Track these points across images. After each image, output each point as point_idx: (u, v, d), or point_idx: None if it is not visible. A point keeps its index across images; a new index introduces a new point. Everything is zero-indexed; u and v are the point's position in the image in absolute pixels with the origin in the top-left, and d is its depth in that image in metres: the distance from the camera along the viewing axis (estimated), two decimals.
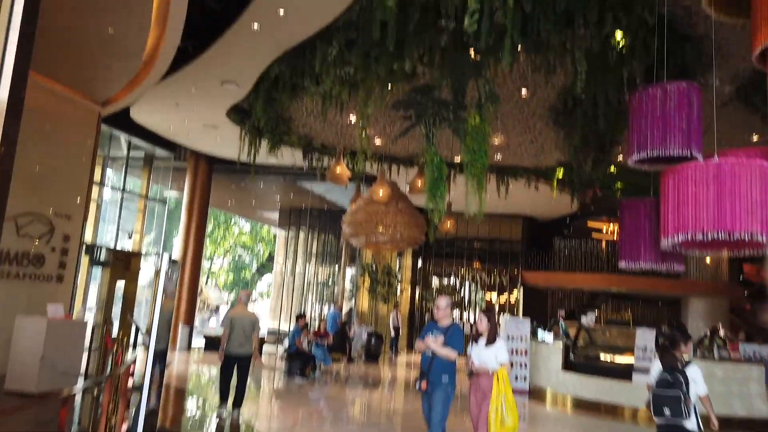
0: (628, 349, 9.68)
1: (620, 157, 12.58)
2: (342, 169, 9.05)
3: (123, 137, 13.90)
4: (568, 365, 10.43)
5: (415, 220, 9.36)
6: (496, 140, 11.51)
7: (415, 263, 21.01)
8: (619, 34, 6.92)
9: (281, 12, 7.26)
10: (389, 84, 7.63)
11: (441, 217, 6.04)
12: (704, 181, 3.73)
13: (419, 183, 8.69)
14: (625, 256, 4.83)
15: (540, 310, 20.21)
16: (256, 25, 7.64)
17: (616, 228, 21.96)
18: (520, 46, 6.87)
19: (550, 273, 20.54)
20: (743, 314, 21.01)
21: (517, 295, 20.79)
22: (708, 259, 19.09)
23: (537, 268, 20.86)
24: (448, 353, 4.95)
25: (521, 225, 20.71)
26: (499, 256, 21.11)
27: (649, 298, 21.48)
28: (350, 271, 21.99)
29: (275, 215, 24.21)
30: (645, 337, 8.89)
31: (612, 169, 13.32)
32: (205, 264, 35.59)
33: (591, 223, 22.07)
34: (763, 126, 10.46)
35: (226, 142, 12.88)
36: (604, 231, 22.14)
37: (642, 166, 4.40)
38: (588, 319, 11.44)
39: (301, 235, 22.73)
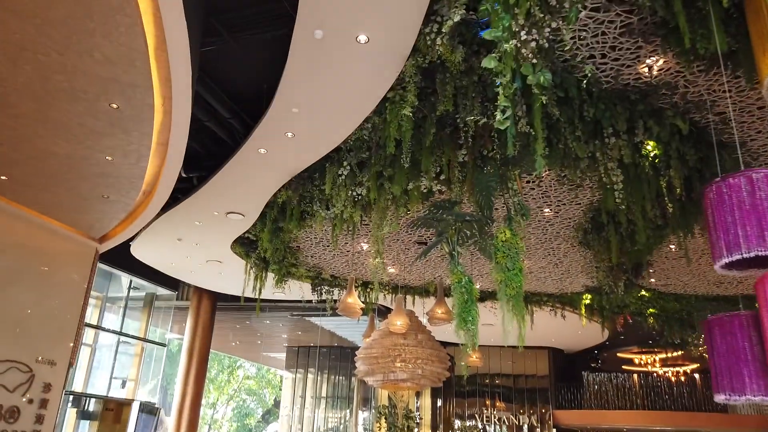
0: None
1: (653, 280, 11.73)
2: (354, 300, 8.24)
3: (124, 277, 13.34)
4: None
5: (438, 354, 8.32)
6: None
7: (434, 403, 19.31)
8: (650, 144, 6.47)
9: (289, 135, 6.90)
10: (404, 203, 7.10)
11: (474, 347, 5.13)
12: None
13: (440, 311, 7.81)
14: (723, 388, 3.83)
15: None
16: (263, 150, 7.27)
17: (648, 359, 20.45)
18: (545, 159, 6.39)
19: (584, 412, 18.77)
20: None
21: None
22: None
23: (567, 405, 19.15)
24: None
25: (547, 358, 19.30)
26: (525, 394, 19.43)
27: None
28: (363, 415, 20.30)
29: (282, 356, 23.06)
30: None
31: (643, 292, 12.39)
32: (207, 412, 33.33)
33: (621, 354, 20.60)
34: None
35: (230, 276, 12.23)
36: (636, 363, 20.57)
37: (729, 272, 3.62)
38: None
39: (310, 376, 21.33)
